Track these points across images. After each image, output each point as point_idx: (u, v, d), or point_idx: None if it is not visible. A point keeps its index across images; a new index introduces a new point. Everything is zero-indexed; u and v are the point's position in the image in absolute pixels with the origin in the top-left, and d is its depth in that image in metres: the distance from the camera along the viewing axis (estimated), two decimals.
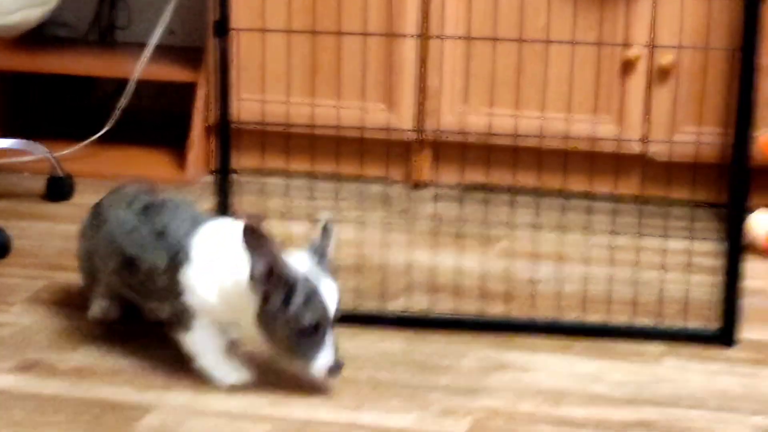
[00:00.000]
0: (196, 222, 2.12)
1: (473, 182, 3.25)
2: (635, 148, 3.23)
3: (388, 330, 2.37)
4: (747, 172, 2.30)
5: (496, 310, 2.44)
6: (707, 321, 2.40)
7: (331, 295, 2.02)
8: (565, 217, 2.59)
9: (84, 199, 3.14)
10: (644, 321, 2.43)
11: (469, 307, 2.47)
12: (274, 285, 1.98)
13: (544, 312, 2.46)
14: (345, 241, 2.60)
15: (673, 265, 2.63)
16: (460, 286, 2.56)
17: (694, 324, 2.41)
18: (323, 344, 2.02)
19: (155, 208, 2.18)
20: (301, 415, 2.04)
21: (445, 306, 2.48)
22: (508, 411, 2.07)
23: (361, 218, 2.48)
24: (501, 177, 3.14)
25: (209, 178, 3.18)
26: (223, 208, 2.39)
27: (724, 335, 2.37)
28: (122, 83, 3.47)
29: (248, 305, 2.01)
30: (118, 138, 3.52)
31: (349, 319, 2.26)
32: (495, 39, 2.55)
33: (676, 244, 2.59)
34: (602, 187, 2.98)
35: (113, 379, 2.15)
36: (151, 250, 2.12)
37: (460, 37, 2.90)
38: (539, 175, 2.62)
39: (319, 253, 2.05)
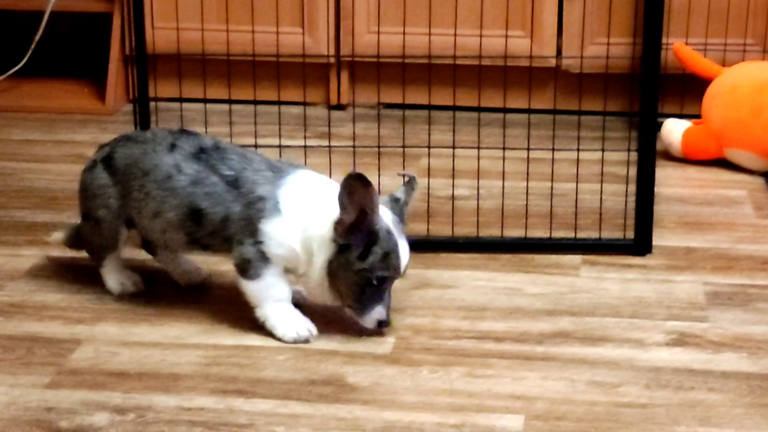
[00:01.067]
0: (276, 171, 2.09)
1: (391, 101, 3.28)
2: (549, 61, 3.28)
3: None
4: (657, 80, 2.35)
5: (418, 229, 2.49)
6: (623, 230, 2.46)
7: (405, 254, 2.05)
8: (481, 133, 2.62)
9: (4, 134, 3.14)
10: (561, 233, 2.50)
11: None
12: (357, 236, 2.00)
13: (464, 229, 2.52)
14: None
15: (589, 176, 2.69)
16: None
17: (609, 234, 2.48)
18: (382, 298, 2.04)
19: (211, 153, 2.11)
20: (231, 341, 2.08)
21: None
22: (431, 328, 2.13)
23: (281, 142, 2.50)
24: (418, 95, 3.17)
25: (129, 108, 3.18)
26: None
27: (638, 244, 2.44)
28: (38, 15, 3.44)
29: (321, 251, 2.03)
30: (36, 71, 3.50)
31: None
32: None
33: (591, 155, 2.64)
34: (517, 101, 3.02)
35: (42, 315, 2.18)
36: (224, 199, 2.08)
37: None
38: (455, 92, 2.65)
39: (399, 208, 2.09)
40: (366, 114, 3.29)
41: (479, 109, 2.69)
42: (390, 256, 2.02)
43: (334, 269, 2.02)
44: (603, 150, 2.49)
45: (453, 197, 2.64)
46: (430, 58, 2.68)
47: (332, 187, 2.06)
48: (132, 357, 2.03)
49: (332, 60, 3.36)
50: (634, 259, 2.41)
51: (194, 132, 2.18)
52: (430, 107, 2.74)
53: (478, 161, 2.57)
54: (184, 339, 2.09)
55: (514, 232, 2.50)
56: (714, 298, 2.24)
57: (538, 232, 2.50)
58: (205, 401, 1.89)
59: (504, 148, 2.50)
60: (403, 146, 2.60)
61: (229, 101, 2.89)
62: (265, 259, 2.06)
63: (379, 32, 2.79)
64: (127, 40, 3.22)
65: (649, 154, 2.40)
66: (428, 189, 2.62)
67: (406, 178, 2.15)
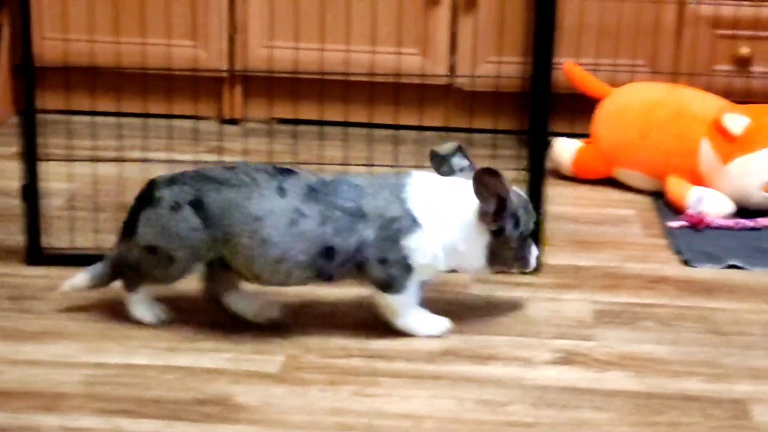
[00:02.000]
0: (392, 188, 2.14)
1: (283, 116, 3.27)
2: (442, 78, 3.29)
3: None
4: (547, 99, 2.38)
5: None
6: None
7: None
8: (375, 149, 2.63)
9: None
10: None
11: None
12: (505, 217, 2.13)
13: None
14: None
15: None
16: None
17: None
18: (530, 240, 2.22)
19: (322, 189, 2.12)
20: (118, 360, 2.05)
21: None
22: (321, 346, 2.12)
23: (171, 156, 2.48)
24: (310, 110, 3.17)
25: (16, 120, 3.13)
26: (31, 149, 2.36)
27: None
28: None
29: (476, 243, 2.15)
30: None
31: None
32: None
33: None
34: (410, 118, 3.03)
35: None
36: (355, 230, 2.11)
37: None
38: (347, 108, 2.66)
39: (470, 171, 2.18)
40: (259, 129, 3.27)
41: (371, 126, 2.70)
42: (528, 209, 2.19)
43: (496, 250, 2.16)
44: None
45: None
46: (323, 74, 2.68)
47: (447, 182, 2.17)
48: (17, 376, 1.99)
49: (225, 74, 3.34)
50: (523, 277, 2.42)
51: (289, 169, 2.16)
52: (322, 123, 2.74)
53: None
54: (71, 357, 2.06)
55: None
56: (601, 317, 2.27)
57: None
58: (90, 421, 1.85)
59: (395, 166, 2.50)
60: (295, 162, 2.59)
61: (119, 114, 2.85)
62: (409, 271, 2.13)
63: (272, 47, 2.79)
64: (15, 51, 3.17)
65: (538, 173, 2.42)
66: None
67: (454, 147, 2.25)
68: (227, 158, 2.65)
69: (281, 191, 2.11)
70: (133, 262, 2.17)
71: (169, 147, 2.56)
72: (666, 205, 2.87)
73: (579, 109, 3.20)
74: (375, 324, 2.20)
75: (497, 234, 2.15)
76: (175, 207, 2.12)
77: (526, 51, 3.19)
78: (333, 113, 3.08)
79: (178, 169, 2.20)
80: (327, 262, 2.12)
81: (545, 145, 2.46)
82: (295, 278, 2.14)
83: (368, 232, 2.11)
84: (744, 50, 3.22)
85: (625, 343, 2.17)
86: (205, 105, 3.36)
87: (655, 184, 2.94)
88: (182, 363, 2.05)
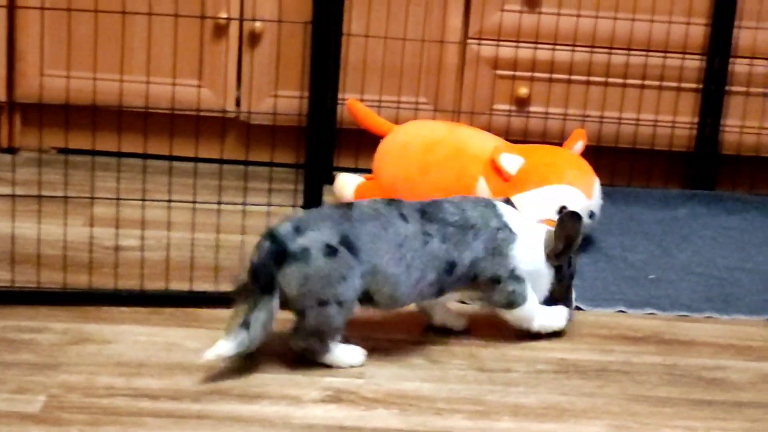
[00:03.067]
0: (486, 204, 2.35)
1: (61, 147, 3.21)
2: (228, 111, 3.28)
3: None
4: (321, 134, 2.39)
5: (80, 280, 2.43)
6: None
7: None
8: (157, 181, 2.60)
9: None
10: (228, 287, 2.48)
11: (53, 279, 2.45)
12: (566, 258, 2.38)
13: (129, 281, 2.48)
14: None
15: (260, 228, 2.68)
16: (43, 256, 2.53)
17: None
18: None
19: (430, 210, 2.30)
20: None
21: (26, 278, 2.44)
22: (85, 385, 2.08)
23: None
24: (85, 141, 3.10)
25: None
26: None
27: None
28: None
29: (548, 271, 2.38)
30: None
31: None
32: (69, 9, 2.53)
33: (260, 207, 2.64)
34: (191, 149, 3.01)
35: None
36: (468, 244, 2.29)
37: (42, 8, 2.84)
38: (121, 138, 2.62)
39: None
40: (36, 158, 3.20)
41: (147, 156, 2.67)
42: (574, 250, 2.39)
43: (554, 284, 2.40)
44: (269, 204, 2.50)
45: (117, 248, 2.60)
46: (95, 104, 2.64)
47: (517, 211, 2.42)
48: None
49: (2, 102, 3.26)
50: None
51: (393, 198, 2.33)
52: (94, 153, 2.70)
53: (143, 211, 2.54)
54: None
55: (180, 285, 2.47)
56: (372, 354, 2.28)
57: (204, 285, 2.48)
58: None
59: (170, 201, 2.48)
60: (66, 196, 2.53)
61: None
62: (522, 280, 2.33)
63: (52, 76, 2.74)
64: None
65: (313, 206, 2.43)
66: (91, 239, 2.57)
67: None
68: (1, 189, 2.58)
69: (404, 217, 2.26)
70: (315, 325, 2.16)
71: None
72: None
73: (363, 144, 3.24)
74: (143, 362, 2.17)
75: (558, 270, 2.38)
76: (330, 252, 2.17)
77: (305, 86, 3.22)
78: (110, 144, 3.02)
79: None
80: (448, 277, 2.28)
81: (321, 180, 2.46)
82: (426, 296, 2.30)
83: (478, 244, 2.29)
84: (522, 91, 3.30)
85: (394, 380, 2.19)
86: None
87: None
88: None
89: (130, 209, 2.52)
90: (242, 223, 2.53)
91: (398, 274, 2.23)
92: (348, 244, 2.18)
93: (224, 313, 2.36)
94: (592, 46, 3.29)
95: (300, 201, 2.43)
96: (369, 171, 3.14)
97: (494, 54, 3.29)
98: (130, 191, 2.59)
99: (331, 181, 3.12)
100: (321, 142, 2.41)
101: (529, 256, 2.34)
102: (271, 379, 2.16)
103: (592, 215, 2.89)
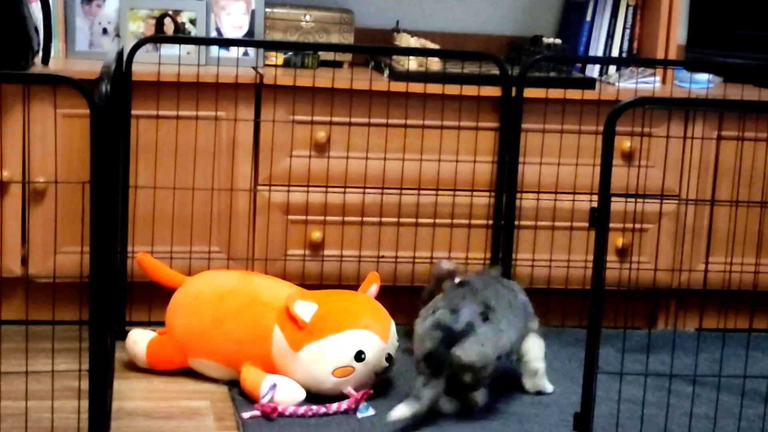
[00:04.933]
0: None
1: None
2: (15, 270, 3.18)
3: None
4: (105, 292, 2.31)
5: None
6: None
7: None
8: None
9: None
10: None
11: None
12: None
13: None
14: None
15: (47, 392, 2.58)
16: None
17: None
18: None
19: (469, 285, 2.81)
20: None
21: None
22: None
23: None
24: None
25: None
26: None
27: None
28: None
29: None
30: None
31: None
32: None
33: (47, 369, 2.54)
34: None
35: None
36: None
37: None
38: None
39: None
40: None
41: None
42: None
43: None
44: (53, 369, 2.41)
45: None
46: None
47: None
48: None
49: None
50: None
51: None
52: None
53: None
54: None
55: None
56: None
57: None
58: None
59: None
60: None
61: None
62: None
63: None
64: None
65: (100, 369, 2.33)
66: None
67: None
68: None
69: (497, 288, 2.87)
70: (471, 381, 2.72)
71: None
72: (241, 394, 2.85)
73: (156, 297, 3.16)
74: None
75: None
76: (488, 318, 2.72)
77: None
78: None
79: None
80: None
81: (110, 337, 2.39)
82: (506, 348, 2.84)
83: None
84: (316, 235, 3.29)
85: None
86: None
87: (230, 373, 2.92)
88: None
89: None
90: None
91: (513, 338, 2.83)
92: (489, 313, 2.73)
93: None
94: (383, 188, 3.32)
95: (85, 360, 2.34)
96: (163, 324, 3.06)
97: (285, 199, 3.28)
98: None
99: (123, 336, 3.04)
100: (104, 299, 2.33)
101: None
102: None
103: (389, 358, 2.87)
